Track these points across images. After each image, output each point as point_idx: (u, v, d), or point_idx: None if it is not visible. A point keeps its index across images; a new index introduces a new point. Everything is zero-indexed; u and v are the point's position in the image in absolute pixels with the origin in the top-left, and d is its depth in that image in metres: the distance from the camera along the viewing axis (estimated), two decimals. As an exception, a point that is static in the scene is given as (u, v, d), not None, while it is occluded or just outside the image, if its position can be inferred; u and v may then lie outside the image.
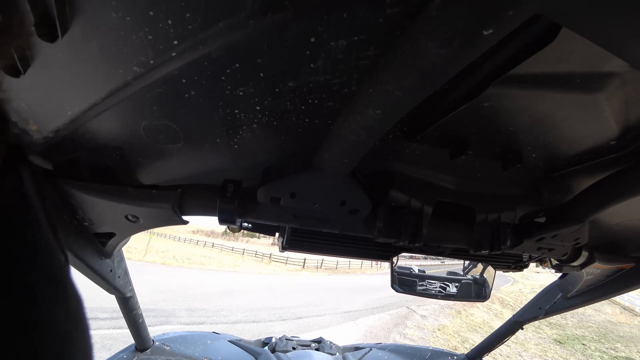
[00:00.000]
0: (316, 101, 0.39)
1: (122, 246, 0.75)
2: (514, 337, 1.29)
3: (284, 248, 0.77)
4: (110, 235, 0.65)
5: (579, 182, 0.61)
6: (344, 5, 0.27)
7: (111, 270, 0.78)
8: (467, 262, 0.87)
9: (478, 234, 0.66)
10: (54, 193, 0.52)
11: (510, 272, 0.89)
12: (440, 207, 0.64)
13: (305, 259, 24.72)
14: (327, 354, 1.42)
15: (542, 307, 1.08)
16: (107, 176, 0.55)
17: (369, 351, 1.58)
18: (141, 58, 0.31)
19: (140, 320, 1.10)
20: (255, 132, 0.46)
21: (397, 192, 0.60)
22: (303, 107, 0.40)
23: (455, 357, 1.43)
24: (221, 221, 0.59)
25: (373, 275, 21.12)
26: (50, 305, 0.23)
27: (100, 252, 0.68)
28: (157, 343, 1.25)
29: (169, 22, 0.27)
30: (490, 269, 0.83)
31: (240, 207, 0.56)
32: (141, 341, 1.17)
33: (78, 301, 0.25)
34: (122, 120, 0.44)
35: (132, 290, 0.98)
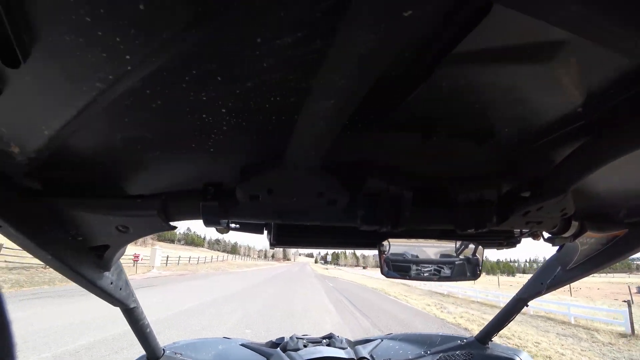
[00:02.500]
0: (278, 98, 0.44)
1: (119, 258, 0.80)
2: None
3: (272, 245, 0.83)
4: (105, 247, 0.70)
5: (557, 153, 0.65)
6: (278, 5, 0.30)
7: (112, 283, 0.83)
8: (458, 243, 0.93)
9: (461, 214, 0.72)
10: (46, 212, 0.58)
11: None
12: (421, 191, 0.70)
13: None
14: (338, 349, 1.50)
15: (544, 282, 1.13)
16: (93, 191, 0.60)
17: (380, 342, 1.67)
18: (100, 74, 0.35)
19: (148, 330, 1.17)
20: (226, 134, 0.50)
21: (375, 180, 0.65)
22: (267, 106, 0.45)
23: (464, 340, 1.51)
24: (206, 223, 0.65)
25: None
26: None
27: (98, 265, 0.74)
28: (167, 352, 1.32)
29: (117, 39, 0.32)
30: (479, 248, 0.90)
31: (222, 208, 0.62)
32: (151, 351, 1.24)
33: None
34: (99, 135, 0.49)
35: (136, 300, 1.04)
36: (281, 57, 0.37)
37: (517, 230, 0.91)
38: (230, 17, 0.31)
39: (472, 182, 0.72)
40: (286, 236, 0.82)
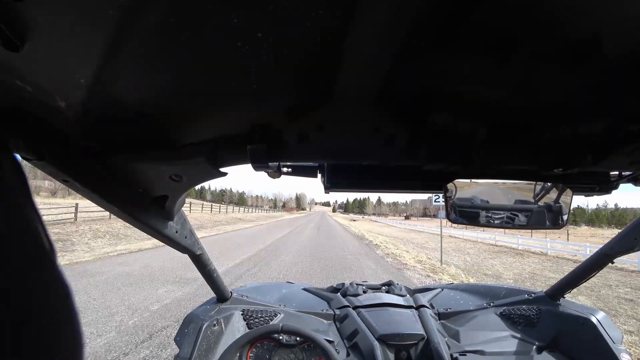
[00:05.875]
0: (320, 12, 0.41)
1: (180, 207, 0.93)
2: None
3: (327, 189, 0.87)
4: (165, 198, 0.81)
5: None
6: None
7: (177, 232, 0.98)
8: (538, 188, 0.94)
9: (547, 150, 0.69)
10: (107, 168, 0.68)
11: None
12: (496, 123, 0.67)
13: None
14: (397, 295, 1.72)
15: (638, 236, 1.10)
16: (147, 144, 0.68)
17: (440, 291, 1.87)
18: None
19: (215, 274, 1.41)
20: (268, 67, 0.50)
21: (441, 112, 0.63)
22: (308, 24, 0.43)
23: (532, 295, 1.60)
24: (255, 167, 0.69)
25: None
26: (37, 291, 0.27)
27: (161, 215, 0.86)
28: (235, 294, 1.60)
29: None
30: (568, 192, 0.89)
31: (270, 151, 0.65)
32: (220, 293, 1.52)
33: (66, 288, 0.30)
34: (137, 82, 0.52)
35: (202, 248, 1.25)
36: None
37: (614, 173, 0.88)
38: None
39: (563, 113, 0.67)
40: (341, 179, 0.86)
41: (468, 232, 32.69)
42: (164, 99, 0.57)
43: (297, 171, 0.86)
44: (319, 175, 0.87)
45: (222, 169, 0.71)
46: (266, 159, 0.66)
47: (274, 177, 0.80)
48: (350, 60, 0.48)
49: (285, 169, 0.83)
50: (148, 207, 0.80)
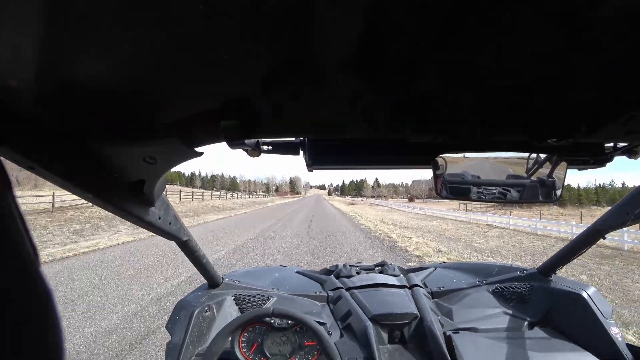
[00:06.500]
0: None
1: (161, 193, 0.89)
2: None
3: (309, 166, 0.85)
4: (142, 182, 0.78)
5: None
6: None
7: (160, 218, 0.95)
8: (531, 162, 0.93)
9: (540, 119, 0.67)
10: (78, 153, 0.65)
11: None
12: (486, 90, 0.64)
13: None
14: (390, 276, 1.76)
15: (630, 211, 1.10)
16: (117, 124, 0.64)
17: (433, 270, 1.91)
18: None
19: (204, 260, 1.40)
20: (236, 33, 0.47)
21: (426, 79, 0.60)
22: None
23: (525, 272, 1.63)
24: (231, 145, 0.67)
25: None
26: (21, 299, 0.28)
27: (141, 201, 0.83)
28: (226, 280, 1.61)
29: None
30: (561, 165, 0.88)
31: (244, 126, 0.63)
32: (211, 279, 1.52)
33: (49, 296, 0.30)
34: (95, 57, 0.48)
35: (188, 234, 1.22)
36: None
37: (608, 145, 0.87)
38: None
39: (556, 80, 0.63)
40: (323, 156, 0.84)
41: (513, 218, 23.47)
42: (128, 75, 0.54)
43: (277, 148, 0.83)
44: (301, 153, 0.85)
45: (197, 149, 0.69)
46: (241, 135, 0.64)
47: (253, 156, 0.78)
48: (323, 23, 0.45)
49: (265, 147, 0.81)
50: (126, 193, 0.77)
